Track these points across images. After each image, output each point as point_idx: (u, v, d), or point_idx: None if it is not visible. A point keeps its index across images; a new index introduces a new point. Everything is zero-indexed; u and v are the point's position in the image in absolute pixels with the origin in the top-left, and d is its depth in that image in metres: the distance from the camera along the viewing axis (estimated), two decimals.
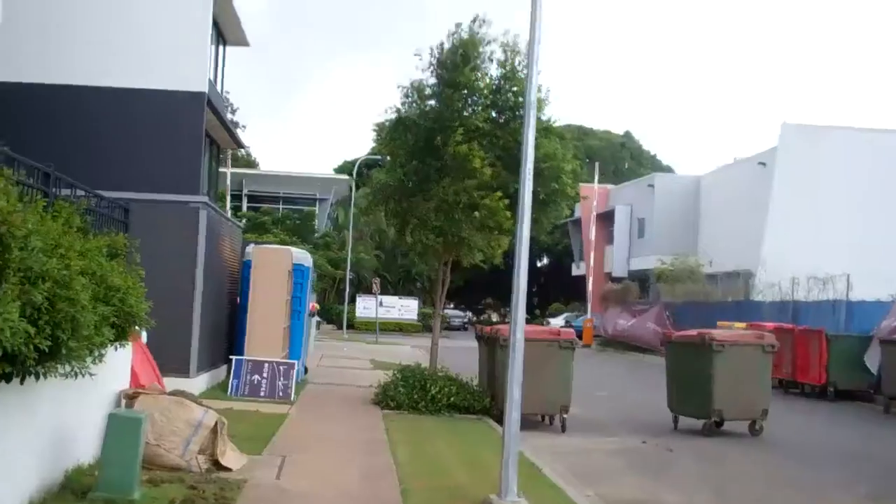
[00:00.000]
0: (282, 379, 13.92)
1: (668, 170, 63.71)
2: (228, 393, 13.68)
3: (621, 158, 69.28)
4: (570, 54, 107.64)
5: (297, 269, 16.16)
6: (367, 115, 47.37)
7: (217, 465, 7.76)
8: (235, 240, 16.55)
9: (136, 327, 7.99)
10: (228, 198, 35.86)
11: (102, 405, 7.67)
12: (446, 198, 13.37)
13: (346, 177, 50.29)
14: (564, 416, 13.07)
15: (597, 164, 47.33)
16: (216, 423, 7.81)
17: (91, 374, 5.99)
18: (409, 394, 13.35)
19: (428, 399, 13.23)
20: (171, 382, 12.60)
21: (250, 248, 16.00)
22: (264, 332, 14.44)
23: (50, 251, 5.40)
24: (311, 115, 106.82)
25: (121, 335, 6.94)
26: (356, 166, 44.34)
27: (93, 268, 6.30)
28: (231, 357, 14.22)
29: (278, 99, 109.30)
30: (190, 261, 12.96)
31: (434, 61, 13.95)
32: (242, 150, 65.16)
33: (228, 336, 15.38)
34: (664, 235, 42.52)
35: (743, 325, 23.26)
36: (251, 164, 65.16)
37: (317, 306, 25.29)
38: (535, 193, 14.89)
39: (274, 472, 7.95)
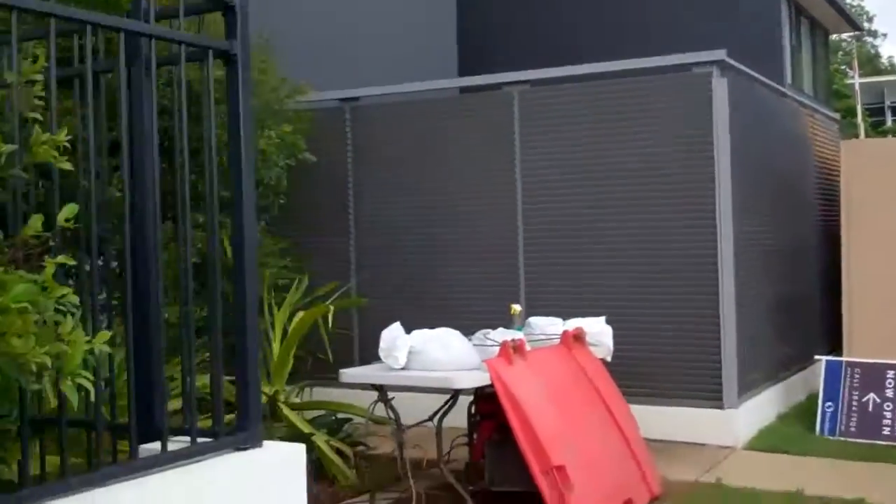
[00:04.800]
0: None
1: None
2: (817, 430, 6.90)
3: None
4: None
5: None
6: None
7: None
8: (830, 146, 9.39)
9: None
10: (859, 108, 27.79)
11: None
12: None
13: None
14: None
15: None
16: None
17: None
18: None
19: None
20: (693, 420, 6.55)
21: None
22: (879, 308, 7.17)
23: None
24: None
25: None
26: None
27: None
28: (819, 357, 7.34)
29: None
30: (702, 173, 6.53)
31: None
32: (875, 48, 54.56)
33: (825, 318, 8.46)
34: None
35: None
36: None
37: None
38: None
39: None
